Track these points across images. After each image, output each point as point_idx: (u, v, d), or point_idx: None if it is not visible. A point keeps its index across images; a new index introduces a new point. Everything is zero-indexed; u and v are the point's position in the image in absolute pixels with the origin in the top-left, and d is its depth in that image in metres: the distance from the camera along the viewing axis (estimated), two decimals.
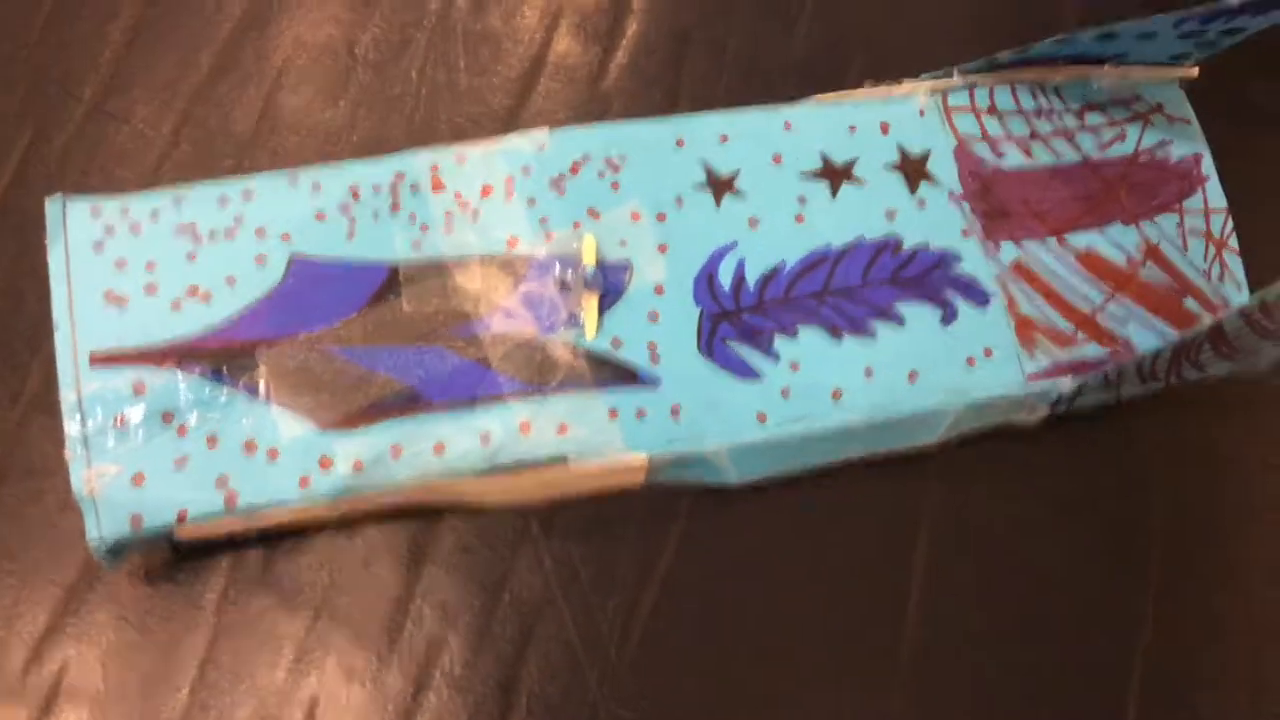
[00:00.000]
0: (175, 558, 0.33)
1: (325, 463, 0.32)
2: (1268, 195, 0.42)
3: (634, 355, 0.35)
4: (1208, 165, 0.41)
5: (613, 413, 0.34)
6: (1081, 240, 0.39)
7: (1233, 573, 0.38)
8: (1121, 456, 0.38)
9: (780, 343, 0.36)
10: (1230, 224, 0.41)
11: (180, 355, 0.33)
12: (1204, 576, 0.38)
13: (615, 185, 0.37)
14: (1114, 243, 0.39)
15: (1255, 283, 0.40)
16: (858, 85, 0.40)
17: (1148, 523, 0.38)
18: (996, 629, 0.36)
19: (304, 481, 0.32)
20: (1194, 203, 0.41)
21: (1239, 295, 0.40)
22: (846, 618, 0.35)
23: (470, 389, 0.34)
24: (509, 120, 0.40)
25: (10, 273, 0.35)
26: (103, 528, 0.31)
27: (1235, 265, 0.40)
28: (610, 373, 0.35)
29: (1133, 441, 0.39)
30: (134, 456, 0.31)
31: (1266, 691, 0.37)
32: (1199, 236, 0.40)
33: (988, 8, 0.45)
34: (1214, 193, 0.41)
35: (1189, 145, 0.41)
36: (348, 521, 0.34)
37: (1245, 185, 0.42)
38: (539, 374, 0.34)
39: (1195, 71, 0.42)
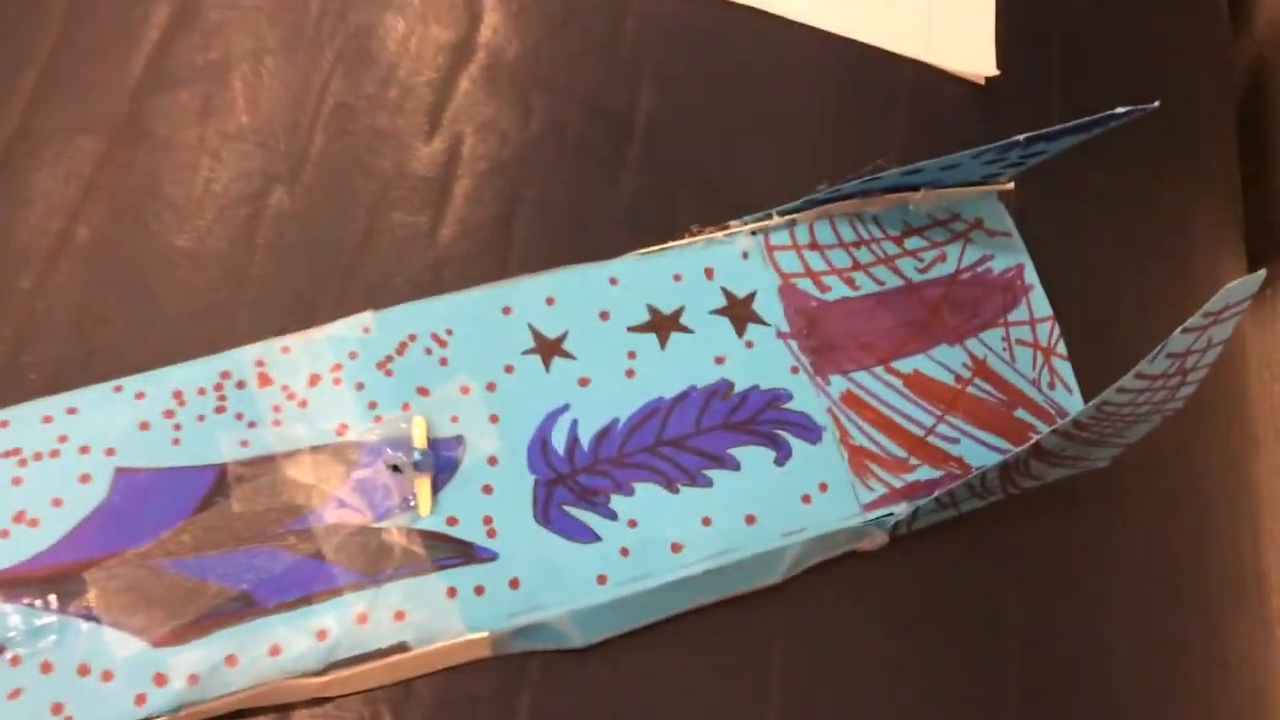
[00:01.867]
0: None
1: (160, 679, 0.32)
2: (1093, 298, 0.44)
3: (470, 531, 0.36)
4: (1030, 275, 0.43)
5: (451, 591, 0.35)
6: (908, 365, 0.40)
7: (1089, 661, 0.39)
8: (968, 566, 0.39)
9: (617, 501, 0.37)
10: (1056, 331, 0.42)
11: (9, 585, 0.33)
12: (1064, 670, 0.39)
13: (444, 360, 0.38)
14: (940, 363, 0.40)
15: (1085, 384, 0.42)
16: (685, 230, 0.42)
17: (1002, 633, 0.39)
18: None
19: (140, 700, 0.32)
20: (1019, 314, 0.42)
21: (1070, 400, 0.41)
22: None
23: (304, 586, 0.34)
24: (342, 298, 0.40)
25: None
26: None
27: (1065, 370, 0.41)
28: (447, 551, 0.35)
29: (979, 550, 0.40)
30: None
31: None
32: (1027, 346, 0.41)
33: (822, 136, 0.46)
34: (1039, 302, 0.42)
35: (1010, 257, 0.43)
36: None
37: (1071, 291, 0.43)
38: (374, 562, 0.35)
39: (1010, 185, 0.43)
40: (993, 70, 0.48)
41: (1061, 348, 0.42)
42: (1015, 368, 0.41)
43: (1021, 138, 0.38)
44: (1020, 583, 0.39)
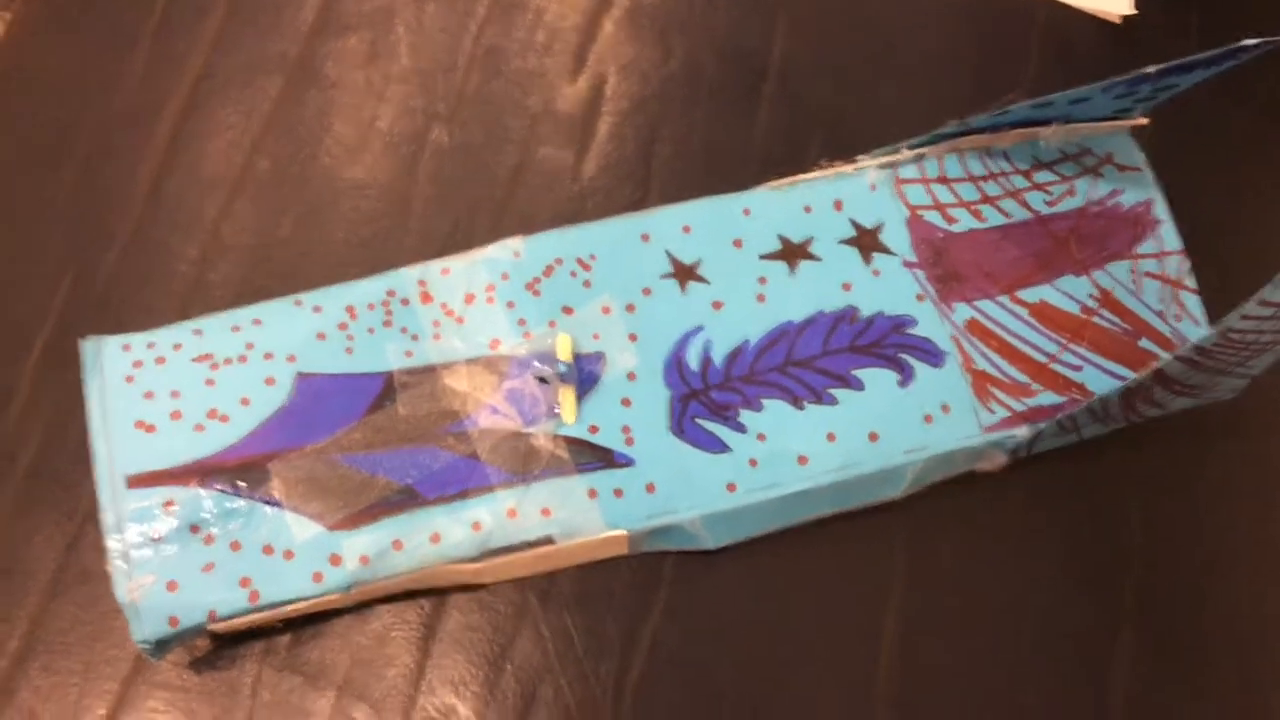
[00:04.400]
0: (214, 647, 0.37)
1: (335, 559, 0.36)
2: (1226, 234, 0.44)
3: (610, 439, 0.38)
4: (1160, 209, 0.43)
5: (592, 493, 0.38)
6: (1033, 295, 0.41)
7: (1211, 596, 0.40)
8: (1088, 490, 0.41)
9: (746, 416, 0.39)
10: (1186, 264, 0.42)
11: (204, 473, 0.37)
12: (1181, 601, 0.40)
13: (587, 283, 0.40)
14: (1066, 294, 0.41)
15: (1215, 318, 0.42)
16: (815, 166, 0.43)
17: (1120, 552, 0.40)
18: (974, 670, 0.38)
19: (317, 577, 0.36)
20: (1147, 247, 0.43)
21: (1197, 332, 0.42)
22: (826, 665, 0.38)
23: (461, 483, 0.37)
24: (495, 225, 0.43)
25: (59, 406, 0.40)
26: (145, 630, 0.35)
27: (1193, 304, 0.42)
28: (588, 456, 0.38)
29: (1099, 475, 0.41)
30: (167, 566, 0.36)
31: (1253, 713, 0.39)
32: (1155, 279, 0.42)
33: (951, 75, 0.47)
34: (1168, 236, 0.43)
35: (1140, 192, 0.43)
36: (363, 605, 0.38)
37: (1205, 224, 0.43)
38: (523, 463, 0.38)
39: (1144, 120, 0.44)
40: (1129, 9, 0.48)
41: (1190, 281, 0.42)
42: (1142, 299, 0.42)
43: (1151, 69, 0.38)
44: (1141, 508, 0.40)
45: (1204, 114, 0.45)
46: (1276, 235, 0.45)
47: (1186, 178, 0.44)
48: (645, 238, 0.41)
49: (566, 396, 0.38)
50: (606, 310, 0.40)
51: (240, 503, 0.37)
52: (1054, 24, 0.48)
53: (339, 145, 0.45)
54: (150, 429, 0.37)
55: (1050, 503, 0.40)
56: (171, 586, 0.36)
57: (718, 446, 0.39)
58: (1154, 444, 0.41)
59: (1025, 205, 0.43)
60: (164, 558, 0.36)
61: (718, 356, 0.40)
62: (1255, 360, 0.37)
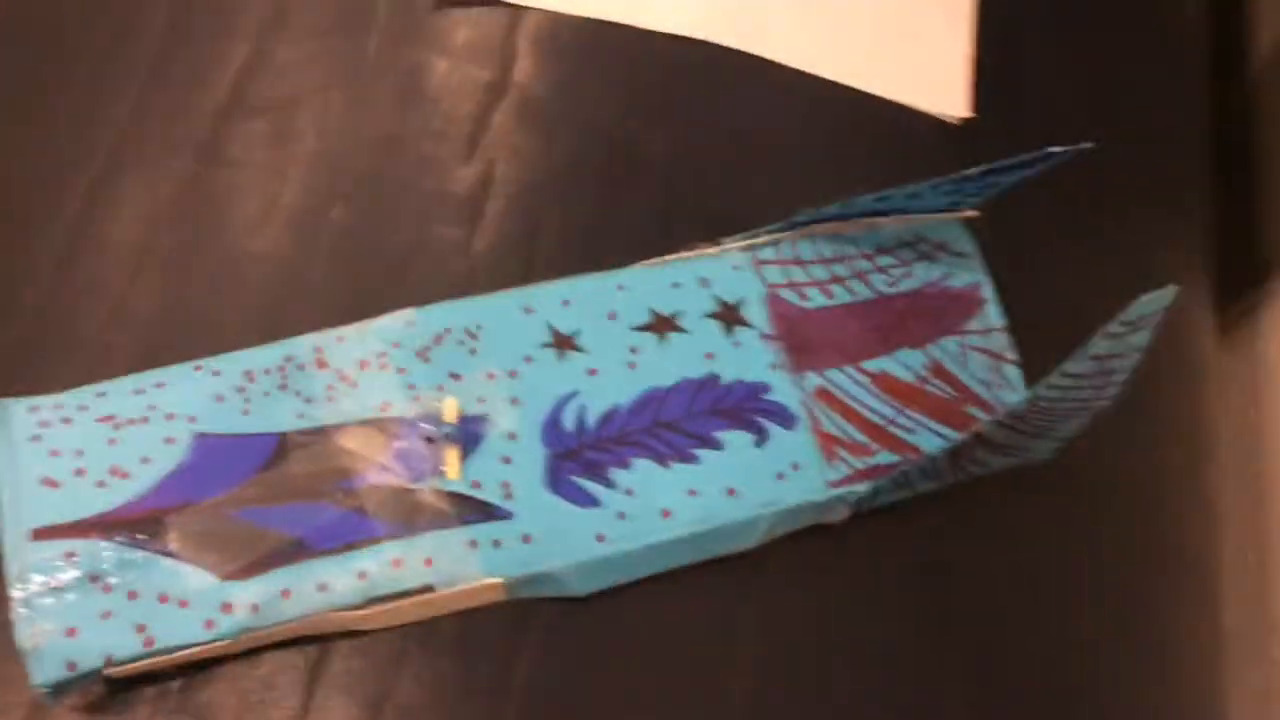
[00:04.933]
0: (109, 691, 0.39)
1: (226, 607, 0.39)
2: (1045, 311, 0.49)
3: (490, 494, 0.42)
4: (986, 290, 0.48)
5: (472, 543, 0.41)
6: (875, 365, 0.46)
7: (1022, 626, 0.44)
8: (923, 540, 0.45)
9: (616, 473, 0.43)
10: (1008, 340, 0.48)
11: (105, 526, 0.39)
12: (1009, 652, 0.44)
13: (473, 351, 0.44)
14: (903, 364, 0.46)
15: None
16: (684, 247, 0.48)
17: (950, 594, 0.44)
18: (824, 708, 0.42)
19: (209, 624, 0.39)
20: (974, 324, 0.48)
21: (1017, 399, 0.47)
22: (686, 705, 0.41)
23: (349, 535, 0.40)
24: (392, 298, 0.46)
25: None
26: (44, 674, 0.37)
27: (1013, 375, 0.47)
28: (470, 509, 0.41)
29: (932, 526, 0.45)
30: (67, 613, 0.38)
31: None
32: (980, 352, 0.47)
33: (811, 167, 0.52)
34: (993, 314, 0.48)
35: (969, 275, 0.48)
36: (251, 651, 0.40)
37: (1026, 303, 0.49)
38: (408, 517, 0.41)
39: (974, 213, 0.49)
40: (965, 111, 0.54)
41: (1011, 355, 0.47)
42: (969, 370, 0.47)
43: (973, 171, 0.44)
44: (969, 556, 0.45)
45: (1027, 205, 0.51)
46: (1089, 312, 0.50)
47: (1011, 261, 0.49)
48: (528, 310, 0.45)
49: (451, 455, 0.42)
50: (491, 376, 0.44)
51: (138, 554, 0.39)
52: (899, 123, 0.53)
53: (243, 220, 0.48)
54: (55, 485, 0.40)
55: (889, 551, 0.44)
56: (71, 632, 0.38)
57: (589, 501, 0.42)
58: (979, 500, 0.45)
59: (869, 285, 0.47)
60: (64, 605, 0.38)
61: (591, 418, 0.44)
62: (1063, 425, 0.42)
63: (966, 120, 0.54)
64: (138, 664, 0.38)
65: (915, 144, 0.53)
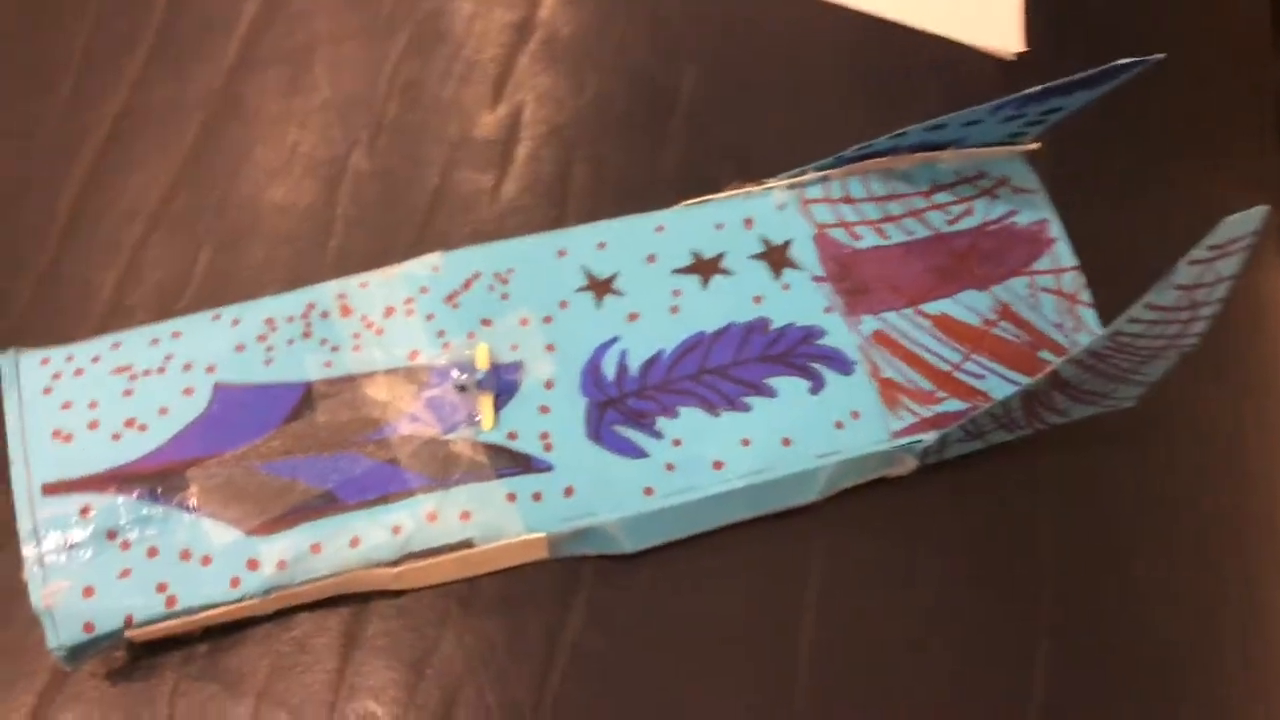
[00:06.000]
0: (132, 655, 0.37)
1: (252, 564, 0.36)
2: (1117, 247, 0.47)
3: (528, 445, 0.39)
4: (1055, 229, 0.45)
5: (510, 496, 0.38)
6: (935, 308, 0.43)
7: (1125, 602, 0.41)
8: (997, 494, 0.42)
9: (663, 422, 0.40)
10: (1081, 279, 0.45)
11: (120, 480, 0.37)
12: (1096, 606, 0.41)
13: (505, 296, 0.41)
14: (967, 307, 0.43)
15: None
16: (724, 189, 0.45)
17: (1031, 554, 0.41)
18: (889, 671, 0.39)
19: (235, 582, 0.36)
20: (1043, 264, 0.45)
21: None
22: (743, 667, 0.39)
23: (381, 487, 0.38)
24: (415, 246, 0.44)
25: None
26: (60, 636, 0.35)
27: (1089, 317, 0.44)
28: (507, 461, 0.39)
29: (1008, 479, 0.42)
30: (83, 572, 0.36)
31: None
32: (1051, 294, 0.44)
33: (852, 104, 0.50)
34: (1063, 253, 0.45)
35: (1035, 212, 0.45)
36: (283, 612, 0.38)
37: (1097, 242, 0.46)
38: (443, 468, 0.38)
39: (1035, 145, 0.46)
40: (1018, 46, 0.51)
41: (1085, 296, 0.44)
42: (1040, 312, 0.44)
43: (1035, 89, 0.41)
44: (1050, 512, 0.42)
45: (1094, 139, 0.48)
46: (1163, 250, 0.47)
47: (1080, 199, 0.47)
48: (562, 253, 0.42)
49: (485, 404, 0.39)
50: (524, 322, 0.41)
51: (157, 509, 0.37)
52: (949, 60, 0.51)
53: (260, 170, 0.46)
54: (67, 438, 0.37)
55: (961, 506, 0.41)
56: (87, 592, 0.35)
57: (635, 452, 0.39)
58: (1059, 450, 0.43)
59: (926, 223, 0.45)
60: (80, 564, 0.36)
61: (633, 365, 0.41)
62: (1148, 366, 0.39)
63: (1019, 56, 0.51)
64: (160, 625, 0.36)
65: (965, 82, 0.51)
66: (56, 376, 0.39)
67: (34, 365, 0.39)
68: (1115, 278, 0.45)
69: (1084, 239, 0.46)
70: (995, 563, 0.41)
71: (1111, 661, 0.40)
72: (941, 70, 0.51)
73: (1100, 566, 0.42)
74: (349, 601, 0.38)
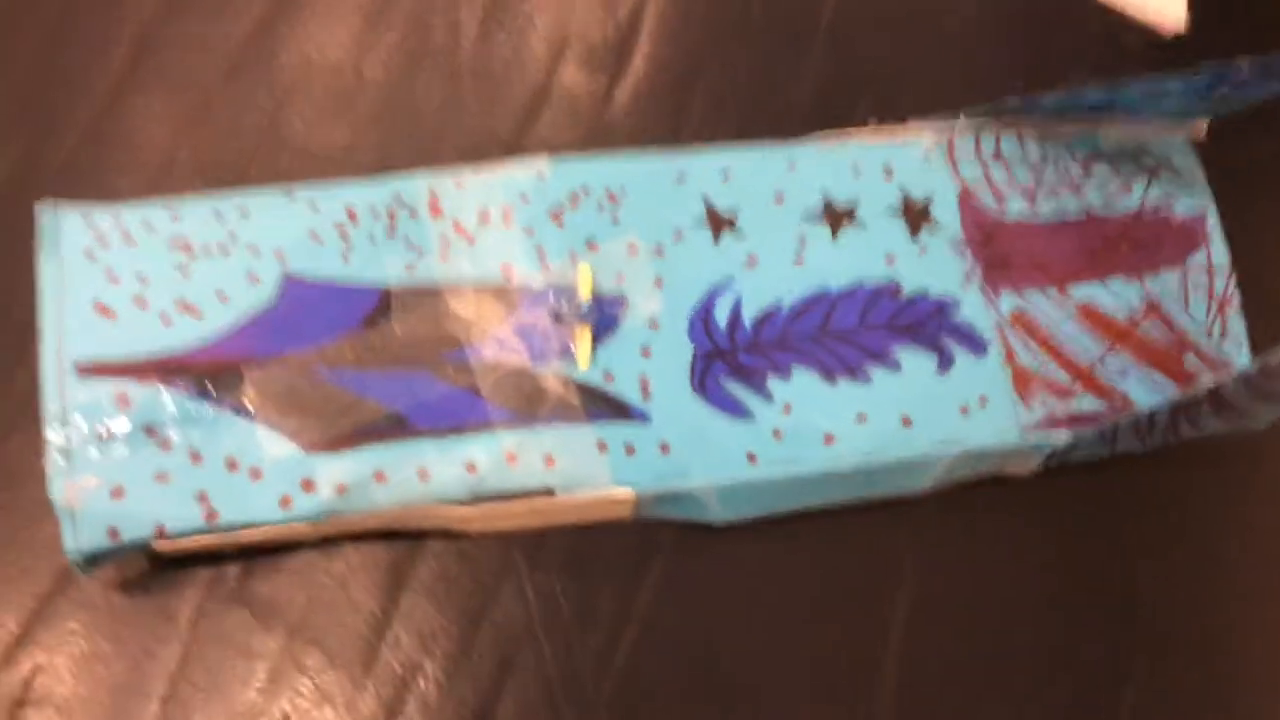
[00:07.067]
0: (152, 568, 0.33)
1: (308, 484, 0.32)
2: (1272, 256, 0.42)
3: (625, 389, 0.35)
4: (1213, 223, 0.41)
5: (601, 446, 0.34)
6: (1082, 292, 0.39)
7: (1224, 639, 0.38)
8: (1112, 513, 0.38)
9: (774, 383, 0.36)
10: (1233, 282, 0.40)
11: (167, 370, 0.32)
12: (1194, 641, 0.37)
13: (614, 218, 0.37)
14: (1115, 296, 0.39)
15: (1256, 342, 0.40)
16: (864, 123, 0.40)
17: (1135, 582, 0.37)
18: (979, 682, 0.36)
19: (285, 502, 0.32)
20: (1197, 259, 0.40)
21: (1239, 354, 0.40)
22: (827, 661, 0.35)
23: (458, 416, 0.33)
24: (511, 148, 0.39)
25: (1, 278, 0.35)
26: (80, 540, 0.31)
27: (1236, 324, 0.40)
28: (601, 406, 0.34)
29: (1123, 498, 0.38)
30: (115, 469, 0.31)
31: None
32: (1201, 293, 0.40)
33: (999, 54, 0.45)
34: (1218, 251, 0.41)
35: (1195, 202, 0.41)
36: (328, 542, 0.33)
37: (1250, 245, 0.41)
38: (528, 404, 0.34)
39: (1204, 130, 0.42)
40: (1182, 23, 0.46)
41: (1237, 300, 0.40)
42: (1188, 313, 0.39)
43: (1243, 64, 0.36)
44: (1155, 540, 0.38)
45: (1259, 131, 0.43)
46: None
47: (1236, 194, 0.42)
48: (681, 178, 0.38)
49: (582, 337, 0.35)
50: (633, 250, 0.36)
51: (206, 408, 0.32)
52: (1105, 28, 0.45)
53: (344, 36, 0.41)
54: (110, 314, 0.33)
55: (1071, 523, 0.37)
56: (117, 493, 0.31)
57: (741, 412, 0.35)
58: (1170, 469, 0.39)
59: (1080, 197, 0.40)
60: (112, 459, 0.31)
61: (748, 316, 0.36)
62: None
63: (1179, 36, 0.46)
64: (193, 540, 0.31)
65: (1119, 53, 0.46)
66: (102, 240, 0.34)
67: (77, 223, 0.34)
68: (1264, 284, 0.41)
69: (1237, 236, 0.41)
70: (1096, 580, 0.37)
71: (1205, 704, 0.37)
72: (1096, 38, 0.45)
73: (1206, 598, 0.38)
74: (401, 538, 0.34)
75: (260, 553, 0.33)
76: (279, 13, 0.41)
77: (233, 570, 0.33)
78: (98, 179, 0.37)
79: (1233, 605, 0.38)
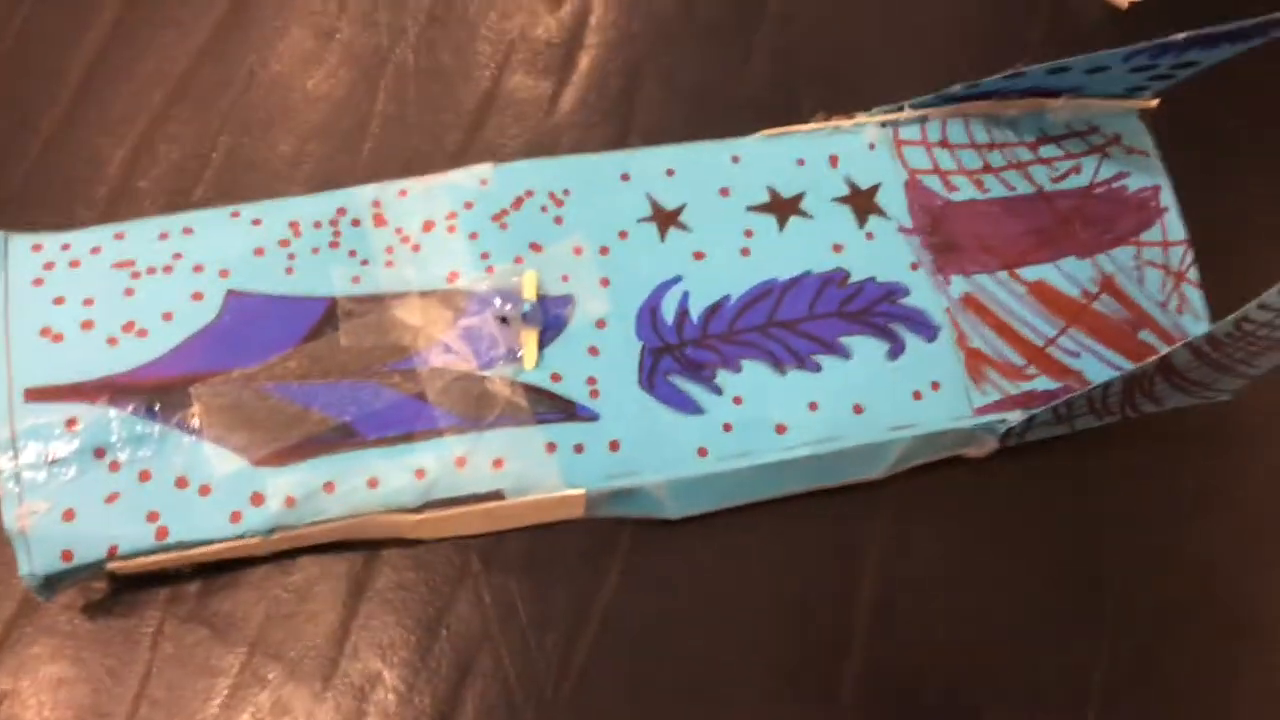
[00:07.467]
0: (113, 589, 0.33)
1: (257, 498, 0.32)
2: (1229, 227, 0.42)
3: (573, 389, 0.35)
4: (1167, 197, 0.41)
5: (550, 446, 0.34)
6: (1033, 274, 0.39)
7: (1190, 611, 0.37)
8: (1073, 489, 0.38)
9: (723, 376, 0.36)
10: (1190, 256, 0.40)
11: (114, 391, 0.33)
12: (1160, 612, 0.37)
13: (559, 219, 0.37)
14: (1067, 275, 0.39)
15: (1216, 314, 0.40)
16: (811, 117, 0.40)
17: (1099, 556, 0.37)
18: (942, 662, 0.36)
19: (236, 517, 0.32)
20: (1152, 235, 0.40)
21: (1198, 327, 0.39)
22: (788, 653, 0.35)
23: (406, 424, 0.34)
24: (458, 155, 0.40)
25: None
26: (34, 564, 0.31)
27: (1194, 297, 0.40)
28: (548, 406, 0.34)
29: (1085, 473, 0.38)
30: (65, 492, 0.31)
31: None
32: (1157, 268, 0.40)
33: (950, 40, 0.45)
34: (1173, 225, 0.40)
35: (1147, 177, 0.41)
36: (285, 555, 0.34)
37: (1209, 216, 0.41)
38: (476, 408, 0.34)
39: (1154, 102, 0.41)
40: None
41: (1193, 274, 0.40)
42: (1143, 288, 0.39)
43: (1179, 37, 0.36)
44: (1121, 511, 0.38)
45: (1211, 103, 0.43)
46: (1276, 237, 0.43)
47: (1192, 167, 0.42)
48: (625, 177, 0.38)
49: (529, 339, 0.35)
50: (578, 251, 0.37)
51: (154, 427, 0.32)
52: (1059, 3, 0.45)
53: (293, 52, 0.41)
54: (57, 338, 0.33)
55: (1036, 496, 0.37)
56: (68, 516, 0.31)
57: (690, 407, 0.35)
58: (1142, 442, 0.39)
59: (1029, 179, 0.40)
60: (62, 483, 0.31)
61: (695, 311, 0.37)
62: (1261, 359, 0.35)
63: (1131, 5, 0.46)
64: (147, 559, 0.32)
65: (1073, 26, 0.46)
66: (49, 266, 0.34)
67: (25, 250, 0.34)
68: (1223, 256, 0.41)
69: (1192, 209, 0.41)
70: (1066, 561, 0.37)
71: (1172, 669, 0.37)
72: (1050, 12, 0.45)
73: (1169, 566, 0.38)
74: (358, 548, 0.34)
75: (218, 568, 0.33)
76: (225, 33, 0.41)
77: (192, 588, 0.33)
78: (50, 207, 0.37)
79: (1199, 577, 0.38)
